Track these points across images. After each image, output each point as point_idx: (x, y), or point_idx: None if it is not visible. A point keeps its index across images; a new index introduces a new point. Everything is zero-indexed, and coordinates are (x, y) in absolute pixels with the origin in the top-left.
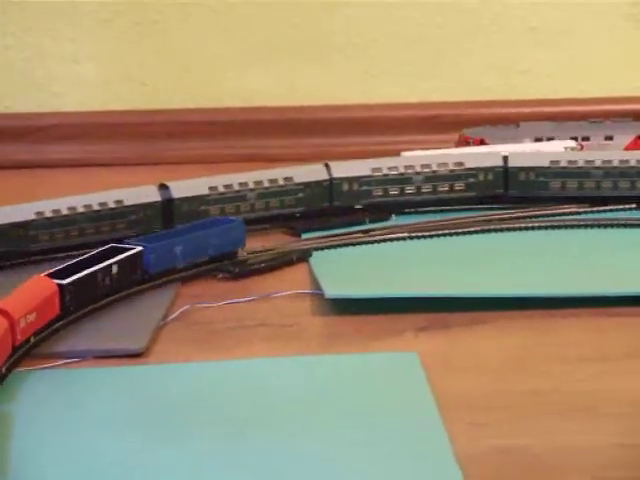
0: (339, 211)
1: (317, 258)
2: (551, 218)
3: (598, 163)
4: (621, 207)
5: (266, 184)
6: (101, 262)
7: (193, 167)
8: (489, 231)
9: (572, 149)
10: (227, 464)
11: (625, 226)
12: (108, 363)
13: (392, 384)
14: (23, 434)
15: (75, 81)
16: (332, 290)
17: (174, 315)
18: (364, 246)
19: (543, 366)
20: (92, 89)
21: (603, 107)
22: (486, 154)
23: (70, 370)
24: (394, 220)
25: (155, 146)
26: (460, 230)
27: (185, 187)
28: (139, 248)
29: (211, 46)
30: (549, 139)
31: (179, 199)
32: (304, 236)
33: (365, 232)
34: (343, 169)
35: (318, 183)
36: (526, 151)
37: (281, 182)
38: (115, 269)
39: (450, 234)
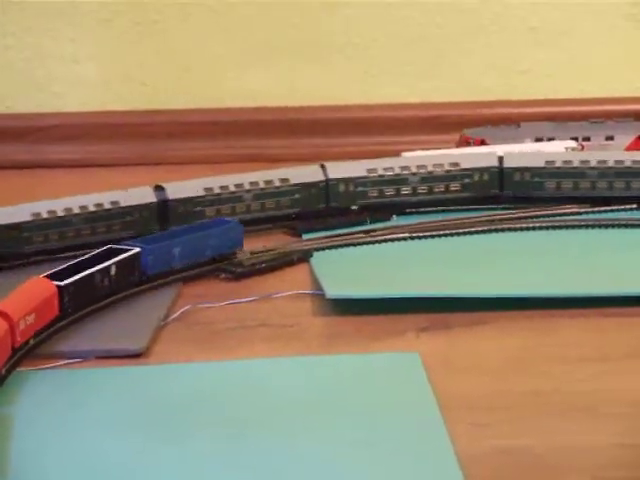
0: (335, 212)
1: (318, 258)
2: (552, 218)
3: (593, 163)
4: (622, 207)
5: (262, 185)
6: (99, 263)
7: (193, 167)
8: (490, 231)
9: (573, 149)
10: (228, 464)
11: (626, 226)
12: (109, 364)
13: (393, 384)
14: (24, 435)
15: (75, 81)
16: (333, 290)
17: (175, 315)
18: (365, 246)
19: (543, 366)
20: (92, 89)
21: (604, 107)
22: (481, 155)
23: (70, 371)
24: (395, 220)
25: (155, 146)
26: (461, 230)
27: (180, 188)
28: (137, 249)
29: (211, 46)
30: (550, 139)
31: (174, 200)
32: (305, 236)
33: (366, 232)
34: (339, 170)
35: (314, 184)
36: (526, 151)
37: (277, 183)
38: (114, 270)
39: (451, 234)
